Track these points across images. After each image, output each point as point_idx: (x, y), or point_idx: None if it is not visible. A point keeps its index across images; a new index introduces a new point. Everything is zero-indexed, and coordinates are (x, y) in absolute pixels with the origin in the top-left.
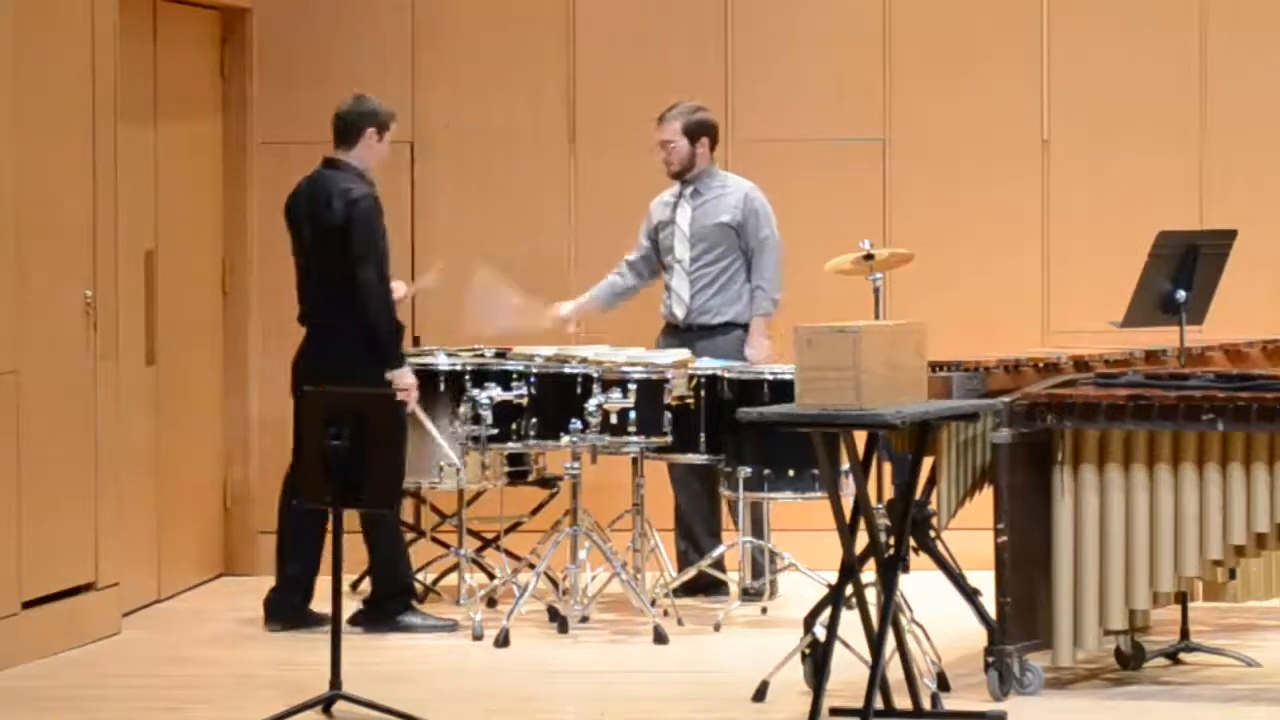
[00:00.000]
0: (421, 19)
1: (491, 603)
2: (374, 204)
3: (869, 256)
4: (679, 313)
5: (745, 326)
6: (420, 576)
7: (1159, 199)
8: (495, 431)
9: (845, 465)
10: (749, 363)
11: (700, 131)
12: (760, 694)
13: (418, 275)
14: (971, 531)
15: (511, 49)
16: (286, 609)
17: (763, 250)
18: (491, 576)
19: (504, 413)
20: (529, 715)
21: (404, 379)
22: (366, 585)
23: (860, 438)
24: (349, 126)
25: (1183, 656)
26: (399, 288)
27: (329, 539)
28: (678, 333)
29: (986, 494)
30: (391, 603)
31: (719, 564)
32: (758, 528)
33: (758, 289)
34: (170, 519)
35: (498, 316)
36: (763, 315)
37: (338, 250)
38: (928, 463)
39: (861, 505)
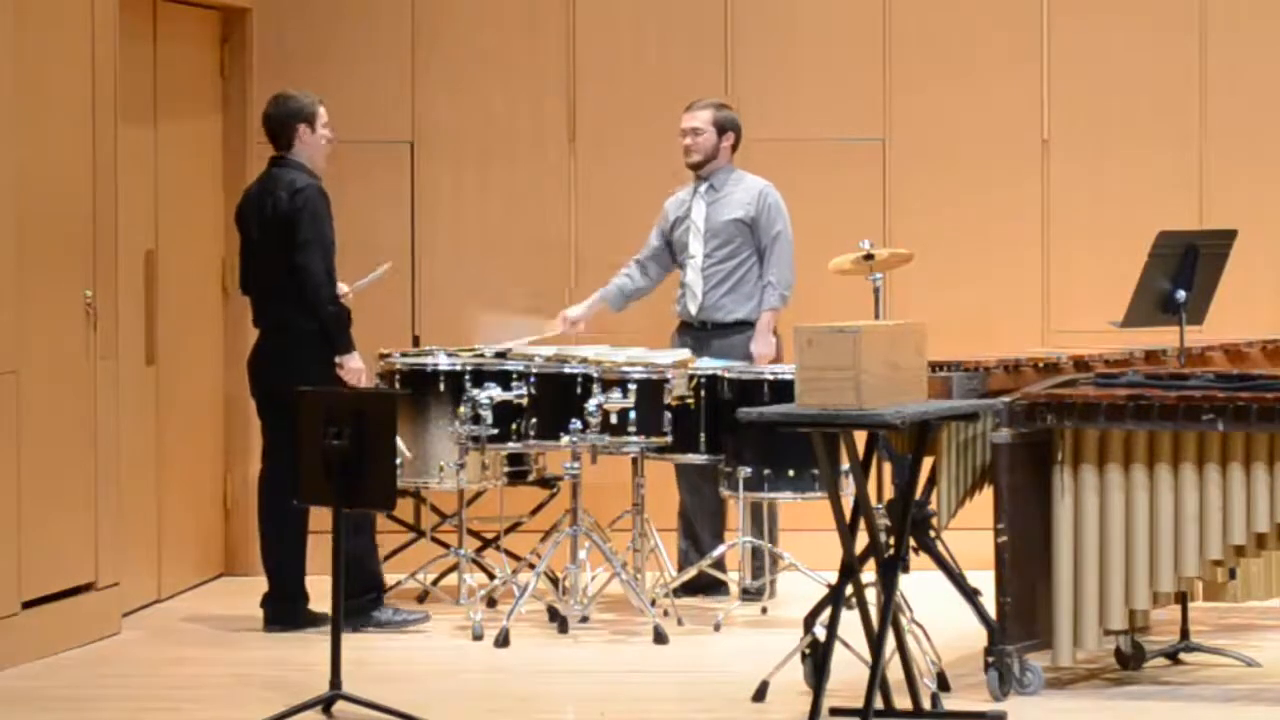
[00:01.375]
0: (421, 19)
1: (491, 603)
2: (319, 194)
3: (869, 256)
4: (692, 308)
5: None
6: (420, 576)
7: (1159, 199)
8: (495, 431)
9: (845, 465)
10: (755, 359)
11: (728, 127)
12: (760, 694)
13: (415, 276)
14: (971, 531)
15: (511, 49)
16: (284, 611)
17: (774, 246)
18: (491, 576)
19: (504, 413)
20: (529, 715)
21: (352, 362)
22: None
23: (860, 438)
24: (279, 128)
25: (1183, 656)
26: (341, 287)
27: (309, 538)
28: (692, 331)
29: (986, 494)
30: (364, 600)
31: (719, 564)
32: (770, 530)
33: (767, 284)
34: (170, 519)
35: (510, 338)
36: (770, 310)
37: (285, 243)
38: (928, 463)
39: (861, 505)
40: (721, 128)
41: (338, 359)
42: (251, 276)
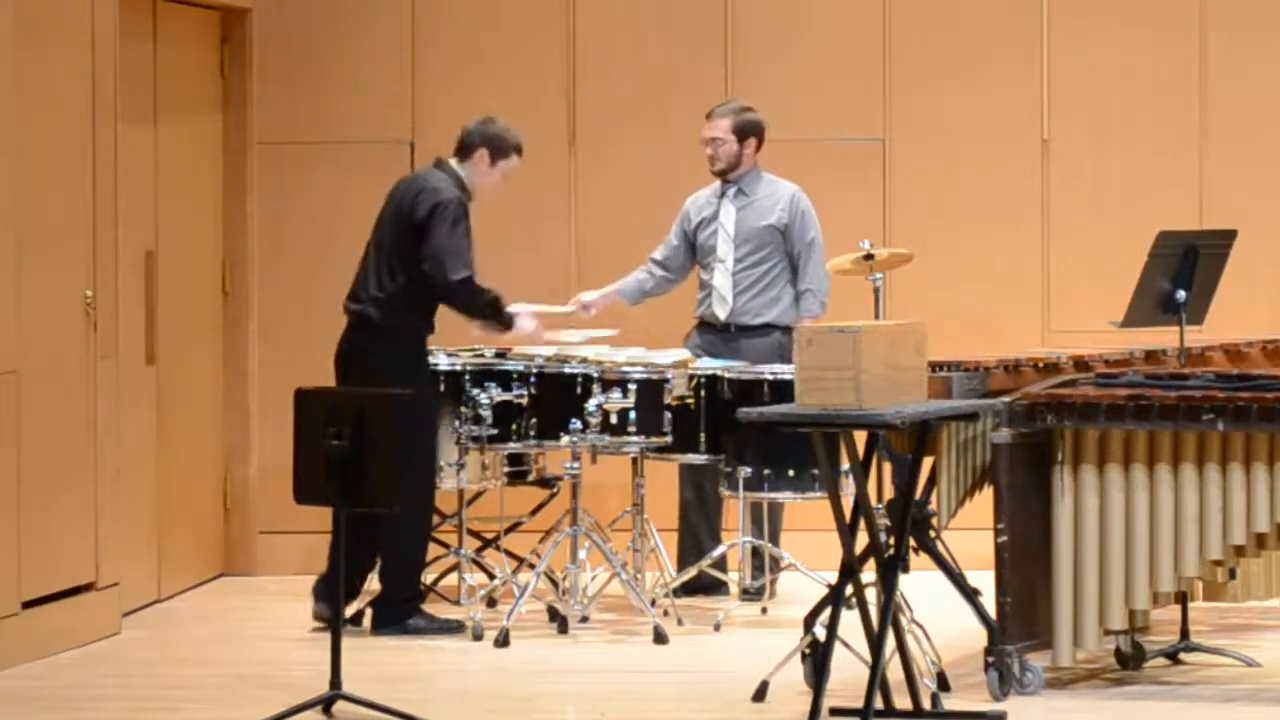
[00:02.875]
0: (421, 19)
1: (491, 603)
2: (461, 206)
3: (869, 256)
4: (720, 313)
5: (783, 329)
6: (420, 576)
7: (1159, 199)
8: (495, 431)
9: (845, 465)
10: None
11: (749, 131)
12: (760, 694)
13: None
14: (971, 531)
15: (511, 49)
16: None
17: (810, 253)
18: (491, 576)
19: (504, 413)
20: (529, 715)
21: (520, 331)
22: (367, 585)
23: (860, 438)
24: (465, 139)
25: (1183, 656)
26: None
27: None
28: (716, 332)
29: (986, 494)
30: (403, 606)
31: (719, 564)
32: (771, 531)
33: (806, 292)
34: (170, 519)
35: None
36: (810, 318)
37: (409, 243)
38: (928, 463)
39: (861, 505)
40: (742, 133)
41: (512, 336)
42: (368, 260)
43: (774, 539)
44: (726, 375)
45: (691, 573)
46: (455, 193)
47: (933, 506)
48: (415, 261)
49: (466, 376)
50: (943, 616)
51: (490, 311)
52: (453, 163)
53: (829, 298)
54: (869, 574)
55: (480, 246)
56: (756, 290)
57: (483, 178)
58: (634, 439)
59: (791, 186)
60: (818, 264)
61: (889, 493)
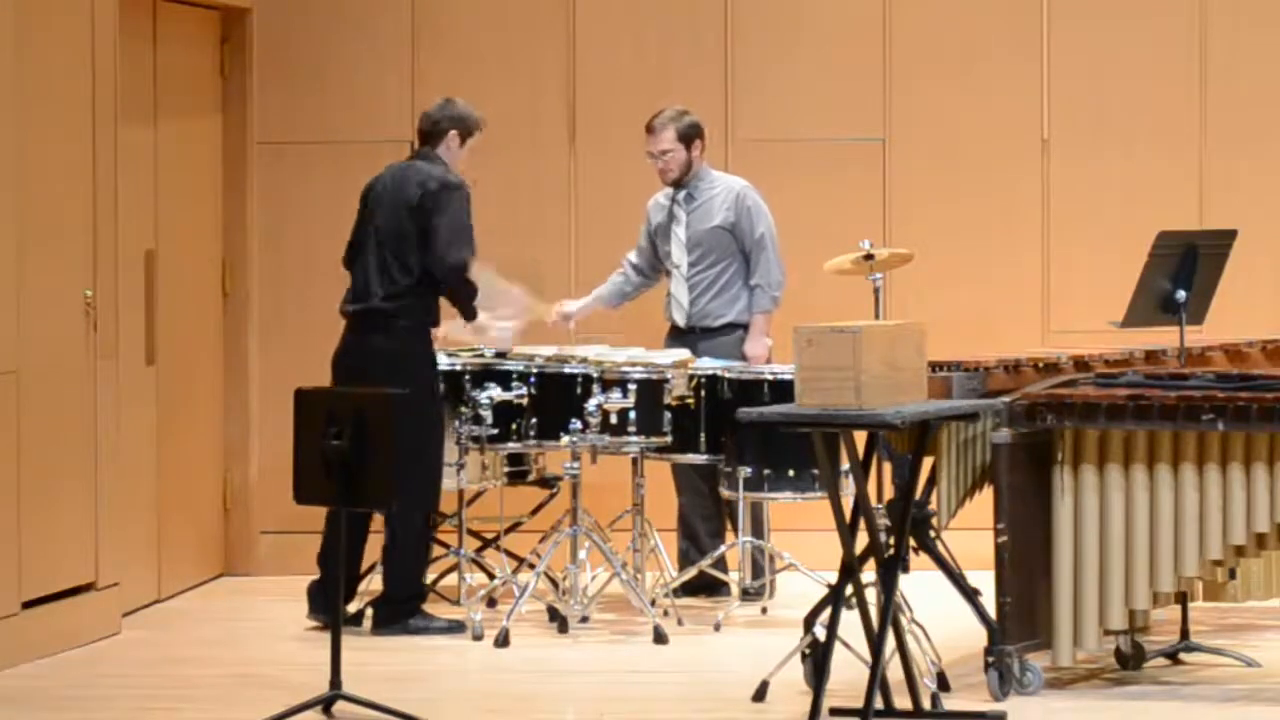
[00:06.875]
0: (421, 19)
1: (491, 603)
2: (467, 197)
3: (869, 256)
4: (678, 319)
5: (746, 327)
6: None
7: (1159, 199)
8: (495, 431)
9: (845, 465)
10: (748, 360)
11: (694, 134)
12: (760, 694)
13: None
14: (971, 531)
15: (511, 49)
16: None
17: (760, 248)
18: (491, 576)
19: (504, 413)
20: (529, 715)
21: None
22: (365, 585)
23: (860, 438)
24: (433, 127)
25: (1183, 656)
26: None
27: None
28: (681, 335)
29: (986, 494)
30: (405, 605)
31: (719, 564)
32: (757, 528)
33: (756, 287)
34: (170, 519)
35: (500, 310)
36: (762, 313)
37: (415, 232)
38: (928, 463)
39: (861, 505)
40: (687, 138)
41: (469, 325)
42: (357, 257)
43: (758, 534)
44: (726, 375)
45: (691, 573)
46: (459, 178)
47: (933, 506)
48: (418, 248)
49: (466, 376)
50: (943, 616)
51: (470, 300)
52: (427, 150)
53: (781, 291)
54: (869, 574)
55: (480, 246)
56: (714, 292)
57: (455, 158)
58: (634, 439)
59: (739, 183)
60: (769, 259)
61: (889, 493)
